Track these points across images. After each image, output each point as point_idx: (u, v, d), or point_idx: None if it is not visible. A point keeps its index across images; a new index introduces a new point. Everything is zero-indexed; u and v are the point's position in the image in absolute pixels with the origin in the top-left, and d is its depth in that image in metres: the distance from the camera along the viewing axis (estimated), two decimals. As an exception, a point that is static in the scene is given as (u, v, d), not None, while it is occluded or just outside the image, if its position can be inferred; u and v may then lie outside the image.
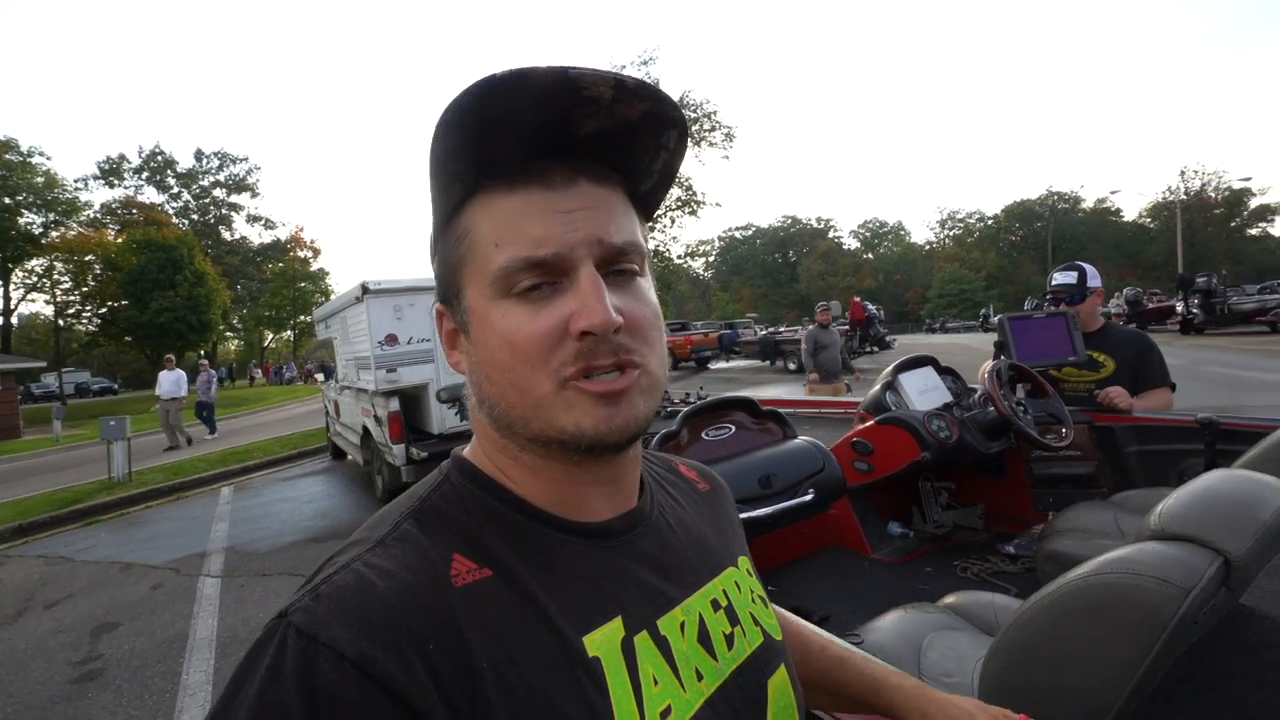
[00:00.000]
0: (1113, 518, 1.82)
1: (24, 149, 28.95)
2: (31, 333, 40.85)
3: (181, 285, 28.17)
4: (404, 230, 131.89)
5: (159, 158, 40.70)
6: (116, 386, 43.47)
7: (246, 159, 45.22)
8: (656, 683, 0.44)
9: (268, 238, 45.99)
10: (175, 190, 41.76)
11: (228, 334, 45.68)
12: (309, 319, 42.61)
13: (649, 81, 0.43)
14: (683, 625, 0.49)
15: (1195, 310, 17.92)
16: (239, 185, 43.70)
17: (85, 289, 31.20)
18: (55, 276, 31.35)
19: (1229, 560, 0.74)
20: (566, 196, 0.43)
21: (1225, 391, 7.97)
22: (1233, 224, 51.68)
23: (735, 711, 0.48)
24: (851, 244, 73.32)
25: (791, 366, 16.27)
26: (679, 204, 28.87)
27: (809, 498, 1.79)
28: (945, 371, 2.59)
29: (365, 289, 5.64)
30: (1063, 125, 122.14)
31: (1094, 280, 2.59)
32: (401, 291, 5.80)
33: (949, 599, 1.51)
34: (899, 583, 2.21)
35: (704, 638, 0.50)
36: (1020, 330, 2.45)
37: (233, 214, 44.35)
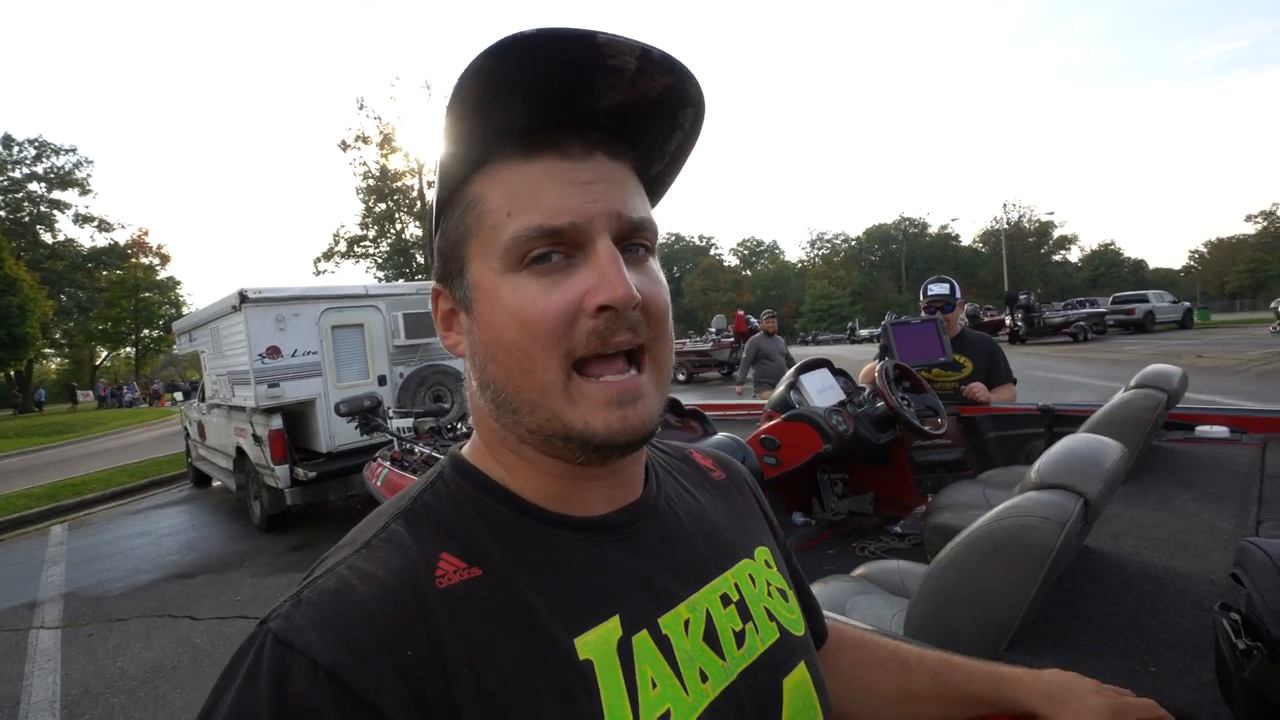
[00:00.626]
0: (981, 493, 2.15)
1: None
2: None
3: (-15, 293, 23.98)
4: (273, 240, 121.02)
5: None
6: (-111, 415, 35.81)
7: (74, 150, 39.13)
8: (655, 685, 0.42)
9: (102, 241, 40.13)
10: None
11: (46, 350, 39.24)
12: (157, 332, 37.88)
13: (674, 55, 0.41)
14: (687, 623, 0.46)
15: (1020, 323, 20.96)
16: (64, 180, 37.78)
17: None
18: None
19: (1088, 500, 0.95)
20: (584, 168, 0.41)
21: (1046, 391, 9.35)
22: (1042, 250, 61.09)
23: (743, 714, 0.45)
24: (731, 261, 77.49)
25: (680, 377, 16.89)
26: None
27: None
28: (838, 373, 2.89)
29: (244, 297, 5.18)
30: (912, 155, 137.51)
31: (958, 293, 3.03)
32: (285, 300, 5.39)
33: (860, 570, 1.71)
34: (807, 566, 2.41)
35: (710, 636, 0.47)
36: (901, 335, 2.81)
37: (55, 212, 38.21)
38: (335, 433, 5.51)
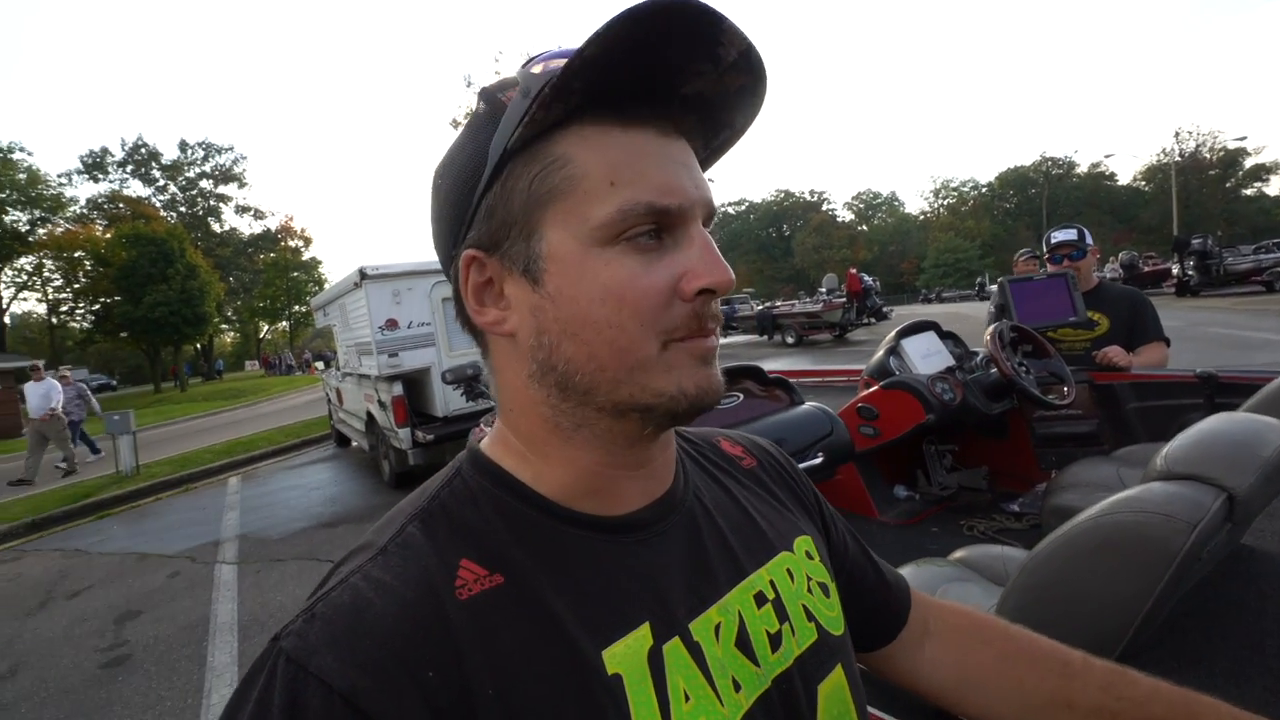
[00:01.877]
0: (1115, 472, 1.88)
1: (3, 144, 28.59)
2: (26, 331, 40.71)
3: (174, 279, 28.01)
4: (393, 217, 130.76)
5: (142, 150, 40.18)
6: (115, 382, 43.51)
7: (232, 149, 44.83)
8: (688, 698, 0.39)
9: (258, 228, 45.84)
10: (161, 183, 41.39)
11: (223, 326, 45.56)
12: (304, 308, 42.59)
13: (763, 58, 0.40)
14: (718, 628, 0.43)
15: (1191, 272, 17.97)
16: (226, 176, 43.27)
17: (77, 285, 31.09)
18: (45, 274, 31.20)
19: (1232, 495, 0.78)
20: (680, 148, 0.41)
21: (1224, 351, 8.03)
22: (1228, 184, 51.52)
23: None
24: (846, 216, 73.06)
25: (789, 340, 16.33)
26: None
27: (818, 461, 1.84)
28: (946, 336, 2.63)
29: (363, 274, 5.62)
30: (1056, 89, 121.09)
31: (1089, 239, 2.62)
32: (399, 276, 5.79)
33: (959, 553, 1.56)
34: (908, 544, 2.27)
35: (743, 640, 0.44)
36: (1021, 292, 2.48)
37: (221, 205, 44.04)
38: (449, 398, 5.89)
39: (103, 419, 8.63)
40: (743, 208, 74.93)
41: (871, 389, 2.43)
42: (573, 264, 0.39)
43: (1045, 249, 2.70)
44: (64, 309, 32.36)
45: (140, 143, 40.12)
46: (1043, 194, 56.91)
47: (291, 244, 45.70)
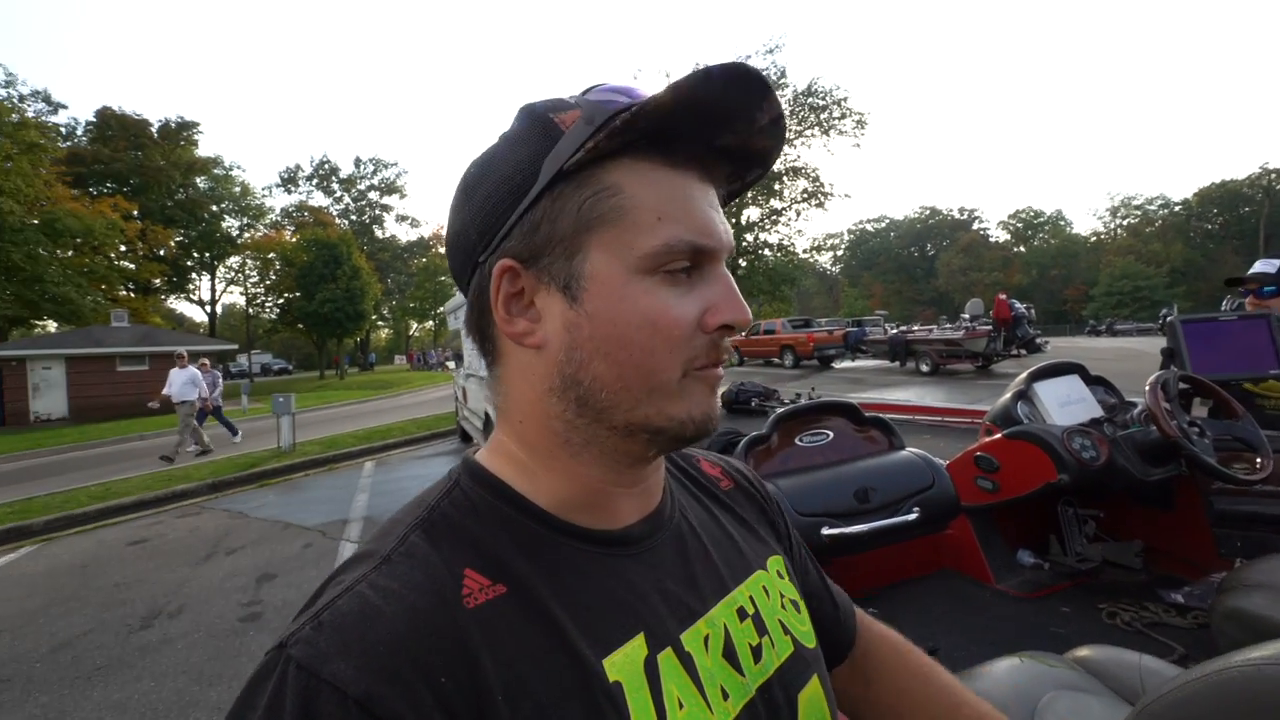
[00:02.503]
0: (1326, 574, 1.46)
1: (226, 164, 34.43)
2: (230, 320, 48.36)
3: (341, 279, 31.85)
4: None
5: (325, 166, 46.74)
6: (291, 367, 50.32)
7: (396, 163, 50.72)
8: (682, 705, 0.41)
9: (413, 235, 51.47)
10: (338, 194, 47.94)
11: (379, 323, 51.06)
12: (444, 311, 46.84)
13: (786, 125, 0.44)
14: (707, 639, 0.45)
15: None
16: (390, 188, 49.11)
17: (268, 282, 36.39)
18: (246, 271, 36.90)
19: None
20: (711, 193, 0.44)
21: None
22: None
23: None
24: (1000, 236, 66.76)
25: (924, 368, 15.07)
26: (804, 196, 27.85)
27: (912, 517, 1.61)
28: (1095, 381, 2.23)
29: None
30: (1274, 93, 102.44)
31: None
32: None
33: (1082, 651, 1.28)
34: (1026, 621, 1.93)
35: (729, 652, 0.46)
36: (1198, 335, 2.04)
37: (384, 214, 50.10)
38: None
39: (242, 406, 9.68)
40: (882, 225, 71.21)
41: (993, 437, 2.11)
42: (615, 287, 0.41)
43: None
44: (258, 301, 37.98)
45: (325, 159, 46.81)
46: (1261, 213, 48.14)
47: (440, 251, 50.38)
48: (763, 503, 0.63)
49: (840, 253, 72.63)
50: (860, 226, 72.13)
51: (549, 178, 0.41)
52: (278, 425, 9.40)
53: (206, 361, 10.76)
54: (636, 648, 0.41)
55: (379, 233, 49.80)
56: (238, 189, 35.62)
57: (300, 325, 33.69)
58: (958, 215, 67.31)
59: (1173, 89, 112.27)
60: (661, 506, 0.50)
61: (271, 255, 35.22)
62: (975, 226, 66.12)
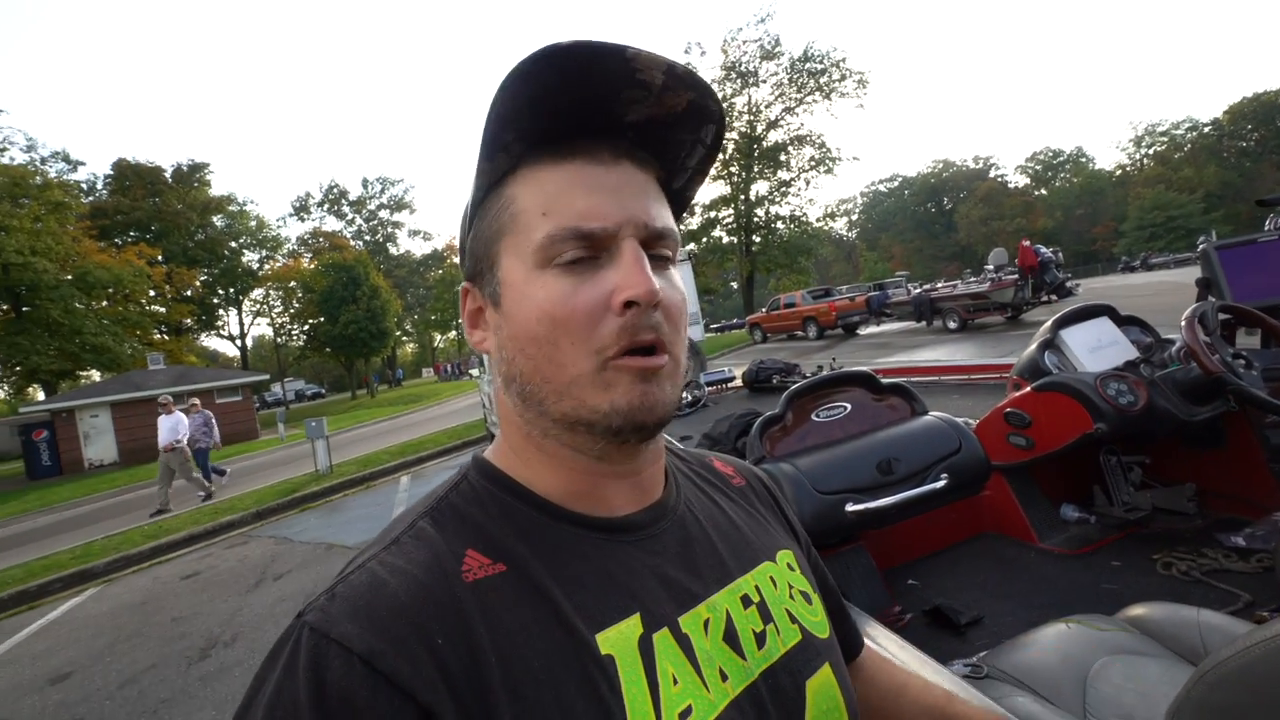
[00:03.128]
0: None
1: (240, 200, 35.23)
2: (261, 351, 49.64)
3: (361, 299, 32.45)
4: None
5: (334, 190, 47.52)
6: (324, 391, 51.56)
7: (403, 180, 51.24)
8: (676, 682, 0.42)
9: (426, 249, 52.19)
10: (350, 216, 48.80)
11: (403, 339, 51.92)
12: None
13: (696, 71, 0.44)
14: (707, 623, 0.46)
15: None
16: (399, 204, 49.87)
17: (292, 310, 37.18)
18: (270, 302, 37.74)
19: None
20: (613, 173, 0.44)
21: None
22: None
23: (764, 714, 0.45)
24: (1019, 181, 64.79)
25: (951, 325, 14.69)
26: (812, 164, 27.34)
27: (940, 484, 1.53)
28: (1128, 321, 2.11)
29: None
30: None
31: None
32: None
33: (1135, 610, 1.20)
34: (1075, 579, 1.85)
35: (730, 636, 0.47)
36: (1236, 261, 1.91)
37: (396, 231, 50.85)
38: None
39: (215, 447, 9.72)
40: (895, 184, 69.68)
41: (1022, 391, 2.02)
42: (519, 287, 0.43)
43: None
44: (285, 330, 38.89)
45: (333, 184, 47.35)
46: (1294, 125, 45.69)
47: (455, 260, 50.90)
48: (776, 504, 0.65)
49: (855, 217, 71.34)
50: (873, 188, 70.74)
51: (471, 208, 0.48)
52: (313, 449, 9.60)
53: (197, 402, 10.38)
54: (631, 626, 0.42)
55: (393, 250, 50.58)
56: (253, 223, 36.44)
57: (328, 349, 34.45)
58: (973, 165, 65.50)
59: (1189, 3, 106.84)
60: (665, 498, 0.52)
61: (292, 283, 35.98)
62: (992, 174, 64.29)
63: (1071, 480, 2.26)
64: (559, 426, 0.44)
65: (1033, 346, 2.09)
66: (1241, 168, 49.54)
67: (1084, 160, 64.32)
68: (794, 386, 1.82)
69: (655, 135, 0.46)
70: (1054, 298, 14.29)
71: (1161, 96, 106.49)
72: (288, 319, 38.08)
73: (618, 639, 0.41)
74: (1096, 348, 1.97)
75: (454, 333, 51.35)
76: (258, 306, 38.28)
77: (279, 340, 39.60)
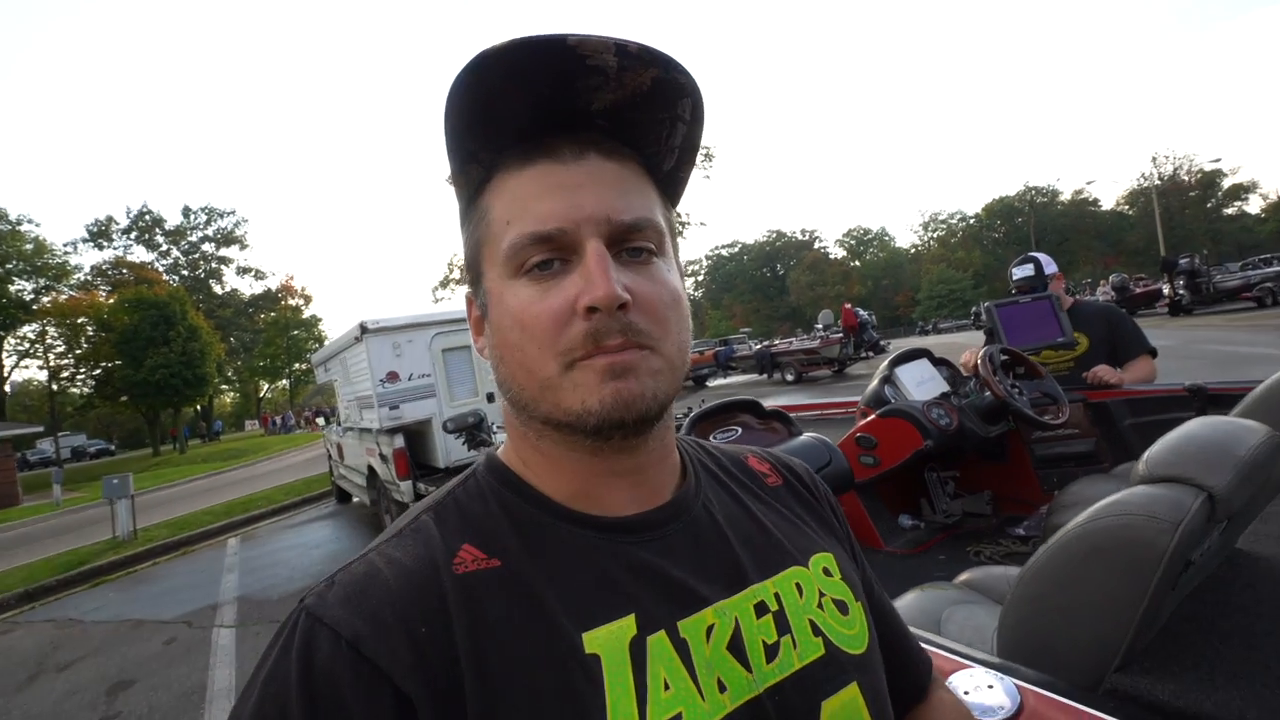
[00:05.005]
0: (1115, 488, 1.87)
1: (13, 218, 29.37)
2: (25, 399, 40.73)
3: (175, 341, 28.29)
4: (392, 273, 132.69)
5: (147, 217, 41.24)
6: (113, 447, 43.35)
7: (234, 212, 46.00)
8: (668, 687, 0.41)
9: (258, 288, 46.71)
10: (164, 248, 42.42)
11: (223, 386, 45.72)
12: (304, 365, 42.83)
13: (653, 45, 0.41)
14: (710, 629, 0.44)
15: (1182, 292, 18.19)
16: (228, 239, 44.29)
17: (79, 351, 31.33)
18: (48, 341, 31.48)
19: (1212, 495, 0.80)
20: (573, 171, 0.43)
21: (1222, 367, 8.06)
22: (1209, 205, 52.75)
23: None
24: (838, 253, 74.15)
25: (789, 378, 16.36)
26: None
27: None
28: (940, 362, 2.66)
29: (364, 329, 5.70)
30: (1035, 121, 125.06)
31: (1049, 267, 2.73)
32: (399, 329, 5.86)
33: (963, 576, 1.56)
34: (914, 573, 2.24)
35: (736, 645, 0.45)
36: (1008, 316, 2.53)
37: (223, 267, 44.96)
38: (451, 448, 5.88)
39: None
40: (735, 249, 76.12)
41: (869, 418, 2.44)
42: (497, 298, 0.45)
43: (1011, 284, 2.79)
44: (65, 375, 32.50)
45: (145, 210, 41.22)
46: (1029, 222, 57.95)
47: (292, 302, 46.54)
48: (818, 504, 0.61)
49: (701, 278, 76.63)
50: (716, 253, 76.70)
51: (460, 217, 0.49)
52: (112, 512, 8.12)
53: None
54: (624, 626, 0.42)
55: (218, 288, 44.67)
56: (29, 246, 30.41)
57: (124, 397, 29.30)
58: (801, 236, 73.86)
59: (963, 116, 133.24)
60: (679, 498, 0.50)
61: (82, 320, 30.40)
62: (817, 245, 72.95)
63: (904, 494, 2.73)
64: (548, 427, 0.45)
65: (875, 382, 2.56)
66: (995, 253, 61.41)
67: (887, 238, 75.57)
68: (696, 412, 2.07)
69: (626, 120, 0.44)
70: (871, 354, 16.57)
71: (942, 189, 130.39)
72: (71, 361, 31.94)
73: (606, 639, 0.41)
74: (921, 382, 2.47)
75: (285, 382, 46.24)
76: (27, 346, 31.68)
77: (54, 386, 32.94)
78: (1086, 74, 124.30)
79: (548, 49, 0.39)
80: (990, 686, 0.76)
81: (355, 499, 8.30)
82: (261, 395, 50.01)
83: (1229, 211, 53.18)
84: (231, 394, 54.54)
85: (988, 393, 2.24)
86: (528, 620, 0.41)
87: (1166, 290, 19.16)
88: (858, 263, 72.04)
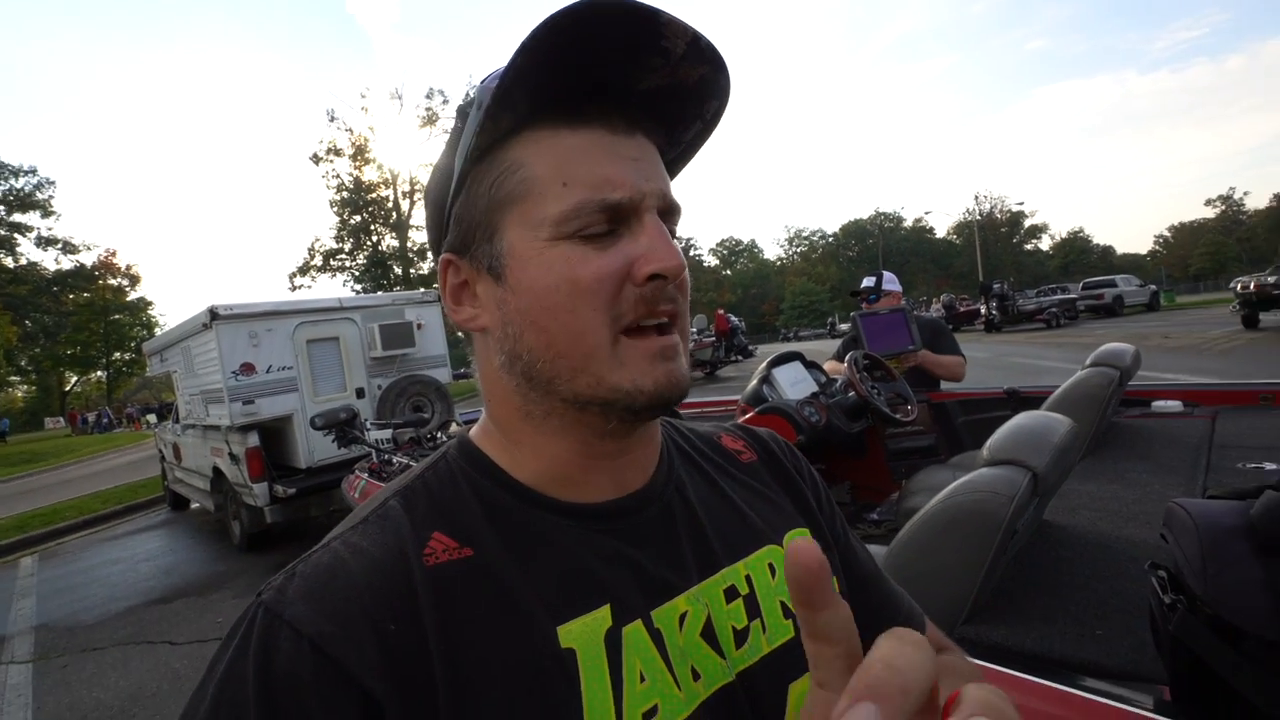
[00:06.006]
0: (951, 476, 2.17)
1: None
2: None
3: (-58, 322, 23.30)
4: (248, 256, 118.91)
5: None
6: None
7: (34, 171, 37.96)
8: (643, 679, 0.40)
9: (68, 264, 39.22)
10: None
11: (13, 378, 38.27)
12: (126, 355, 37.14)
13: (716, 46, 0.41)
14: (683, 617, 0.44)
15: (994, 312, 21.39)
16: (24, 202, 36.80)
17: None
18: None
19: (1036, 473, 0.99)
20: (630, 144, 0.42)
21: (1023, 376, 9.54)
22: (1014, 240, 62.39)
23: (738, 718, 0.43)
24: (711, 261, 77.85)
25: (666, 378, 16.81)
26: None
27: None
28: (810, 365, 2.93)
29: (214, 314, 5.09)
30: (886, 151, 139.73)
31: (890, 284, 3.15)
32: (258, 316, 5.31)
33: (833, 556, 1.75)
34: None
35: (709, 632, 0.44)
36: (870, 325, 2.85)
37: (17, 235, 37.11)
38: (314, 448, 5.44)
39: None
40: (615, 252, 77.11)
41: (748, 415, 2.63)
42: (532, 258, 0.41)
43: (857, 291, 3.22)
44: None
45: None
46: (879, 244, 64.73)
47: (113, 282, 39.90)
48: (795, 476, 0.59)
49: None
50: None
51: (460, 169, 0.43)
52: None
53: None
54: (599, 618, 0.41)
55: (8, 260, 36.74)
56: None
57: None
58: (677, 243, 76.45)
59: (826, 142, 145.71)
60: (653, 483, 0.49)
61: None
62: (691, 253, 75.99)
63: (777, 486, 2.98)
64: (571, 406, 0.42)
65: (754, 381, 2.76)
66: (849, 270, 67.98)
67: (757, 250, 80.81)
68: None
69: (660, 106, 0.44)
70: (740, 358, 17.59)
71: (805, 207, 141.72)
72: None
73: (582, 632, 0.40)
74: (795, 382, 2.71)
75: (101, 373, 39.70)
76: None
77: None
78: (932, 117, 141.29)
79: (642, 19, 0.38)
80: None
81: (195, 504, 7.38)
82: (68, 389, 42.56)
83: (1028, 247, 63.57)
84: (26, 387, 45.89)
85: (852, 393, 2.51)
86: (502, 614, 0.39)
87: (983, 310, 22.41)
88: (729, 271, 76.17)
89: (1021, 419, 1.18)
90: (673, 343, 0.42)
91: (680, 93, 0.43)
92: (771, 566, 0.50)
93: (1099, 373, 1.80)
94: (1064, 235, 66.09)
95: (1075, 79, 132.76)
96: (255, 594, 0.39)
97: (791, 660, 0.46)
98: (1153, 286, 24.90)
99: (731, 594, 0.47)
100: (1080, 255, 61.98)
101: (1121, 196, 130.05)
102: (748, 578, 0.48)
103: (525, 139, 0.42)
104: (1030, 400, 2.46)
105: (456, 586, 0.39)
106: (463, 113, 0.44)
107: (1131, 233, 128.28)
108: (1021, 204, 66.27)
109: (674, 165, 0.49)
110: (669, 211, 0.43)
